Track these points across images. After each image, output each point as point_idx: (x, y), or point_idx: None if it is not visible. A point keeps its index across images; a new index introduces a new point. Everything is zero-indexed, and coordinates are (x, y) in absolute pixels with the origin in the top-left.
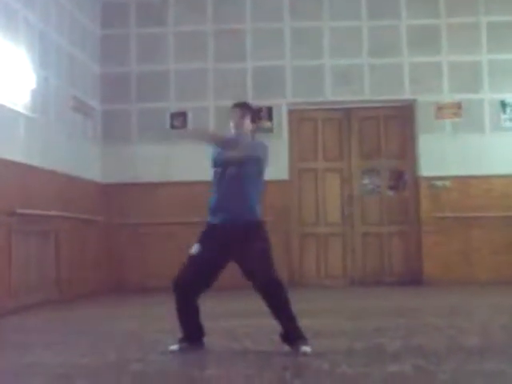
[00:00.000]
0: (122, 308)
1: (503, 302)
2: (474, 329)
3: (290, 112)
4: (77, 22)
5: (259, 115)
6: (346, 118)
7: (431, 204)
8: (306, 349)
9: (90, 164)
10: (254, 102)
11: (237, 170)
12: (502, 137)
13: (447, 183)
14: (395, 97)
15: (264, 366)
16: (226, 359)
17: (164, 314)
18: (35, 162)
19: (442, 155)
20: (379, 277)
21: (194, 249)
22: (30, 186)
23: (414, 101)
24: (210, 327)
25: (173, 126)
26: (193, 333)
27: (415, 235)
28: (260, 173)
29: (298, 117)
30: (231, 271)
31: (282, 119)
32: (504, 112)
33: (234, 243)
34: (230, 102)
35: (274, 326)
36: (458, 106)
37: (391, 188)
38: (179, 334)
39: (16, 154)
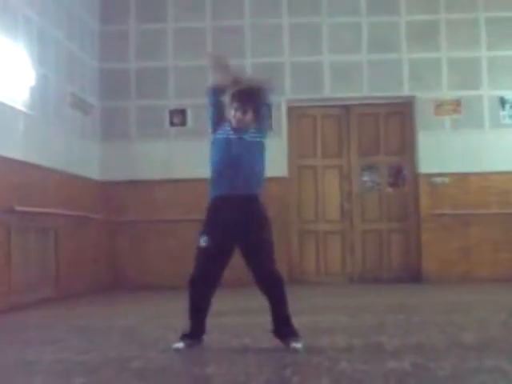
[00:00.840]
0: (122, 305)
1: (502, 299)
2: (472, 326)
3: (289, 109)
4: (75, 18)
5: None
6: (345, 114)
7: (430, 201)
8: (296, 345)
9: (88, 161)
10: None
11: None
12: (501, 133)
13: (446, 180)
14: (394, 93)
15: (264, 364)
16: (226, 356)
17: (163, 312)
18: (34, 159)
19: (441, 152)
20: (378, 274)
21: (203, 241)
22: (28, 183)
23: (413, 97)
24: (210, 324)
25: (172, 123)
26: (198, 330)
27: (414, 232)
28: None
29: (297, 113)
30: (231, 268)
31: (280, 116)
32: (503, 108)
33: (238, 229)
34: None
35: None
36: (458, 102)
37: (390, 185)
38: (179, 332)
39: (14, 151)
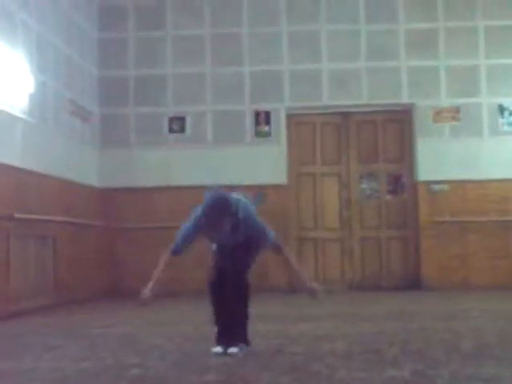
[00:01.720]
0: (120, 312)
1: (500, 306)
2: (471, 333)
3: (288, 116)
4: (75, 25)
5: None
6: (343, 122)
7: (429, 208)
8: (233, 350)
9: (87, 168)
10: (252, 107)
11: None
12: (499, 141)
13: (445, 187)
14: (393, 101)
15: (262, 370)
16: (224, 363)
17: (162, 319)
18: (33, 166)
19: (440, 159)
20: (377, 281)
21: (214, 245)
22: (27, 190)
23: (412, 105)
24: (208, 332)
25: (171, 130)
26: (227, 332)
27: (413, 239)
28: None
29: (296, 121)
30: None
31: (279, 123)
32: (502, 116)
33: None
34: (227, 106)
35: (271, 330)
36: (456, 110)
37: (389, 192)
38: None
39: (14, 158)
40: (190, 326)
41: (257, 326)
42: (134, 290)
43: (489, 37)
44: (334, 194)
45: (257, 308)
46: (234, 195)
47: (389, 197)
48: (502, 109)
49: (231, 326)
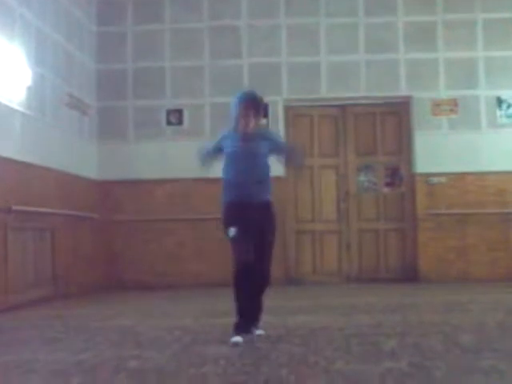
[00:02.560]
0: (119, 305)
1: (498, 298)
2: (469, 326)
3: (286, 109)
4: (73, 18)
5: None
6: (341, 114)
7: (427, 201)
8: (260, 332)
9: (85, 161)
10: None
11: (253, 151)
12: (497, 133)
13: (443, 180)
14: (391, 93)
15: (261, 363)
16: (222, 356)
17: (160, 311)
18: (31, 159)
19: (438, 152)
20: (375, 273)
21: (231, 232)
22: (25, 183)
23: (410, 97)
24: (207, 324)
25: (169, 123)
26: (249, 322)
27: (411, 232)
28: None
29: (294, 113)
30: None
31: (277, 116)
32: (500, 108)
33: (256, 220)
34: (225, 99)
35: (269, 322)
36: (454, 102)
37: (387, 185)
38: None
39: (12, 151)
40: (188, 319)
41: None
42: (133, 282)
43: (487, 29)
44: (332, 186)
45: None
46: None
47: (387, 189)
48: (500, 101)
49: (257, 312)
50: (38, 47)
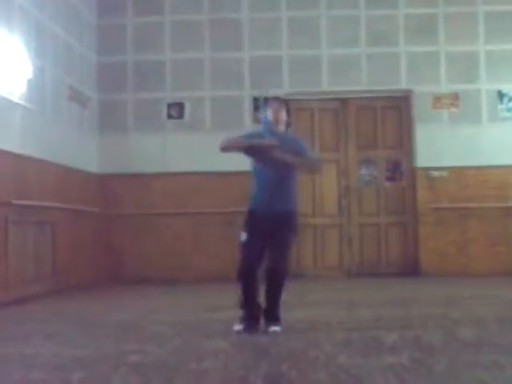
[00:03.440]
0: (119, 299)
1: (499, 293)
2: (469, 320)
3: (287, 102)
4: (73, 10)
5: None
6: (342, 108)
7: (428, 195)
8: (275, 328)
9: (86, 154)
10: (251, 92)
11: (279, 165)
12: (498, 127)
13: (444, 174)
14: (392, 87)
15: (261, 358)
16: (223, 351)
17: (161, 305)
18: (31, 152)
19: (438, 146)
20: (376, 268)
21: (243, 237)
22: (25, 176)
23: (411, 91)
24: (207, 319)
25: (169, 116)
26: (253, 316)
27: (412, 226)
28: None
29: (295, 107)
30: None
31: None
32: (501, 102)
33: (270, 229)
34: (226, 92)
35: None
36: (455, 96)
37: (388, 179)
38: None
39: (12, 144)
40: (189, 313)
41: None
42: (133, 276)
43: (489, 23)
44: (333, 180)
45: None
46: None
47: (387, 183)
48: (501, 95)
49: (270, 308)
50: (38, 40)
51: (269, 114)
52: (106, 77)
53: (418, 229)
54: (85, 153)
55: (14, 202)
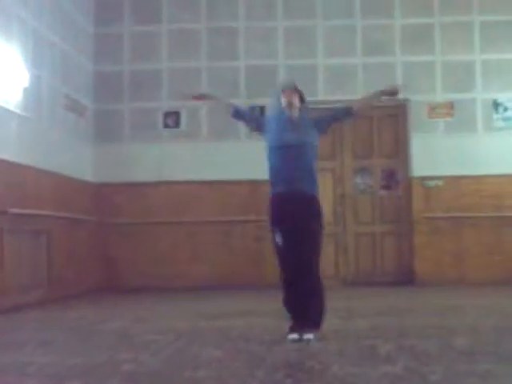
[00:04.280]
0: (114, 308)
1: (494, 302)
2: (464, 329)
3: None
4: (70, 19)
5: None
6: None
7: (423, 204)
8: (309, 336)
9: (82, 163)
10: (247, 101)
11: (301, 141)
12: (494, 137)
13: (440, 183)
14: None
15: (256, 366)
16: (217, 360)
17: (156, 314)
18: (27, 160)
19: (434, 155)
20: (371, 277)
21: (278, 238)
22: (21, 185)
23: (407, 100)
24: (202, 327)
25: (166, 125)
26: (300, 320)
27: (407, 235)
28: (317, 144)
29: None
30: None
31: None
32: (496, 112)
33: (296, 216)
34: None
35: (266, 326)
36: (451, 105)
37: (384, 187)
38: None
39: (8, 152)
40: (183, 322)
41: (250, 322)
42: (128, 285)
43: (484, 32)
44: (329, 189)
45: (252, 304)
46: None
47: (383, 192)
48: (496, 104)
49: (310, 313)
50: (35, 48)
51: (282, 100)
52: (103, 86)
53: (414, 238)
54: (81, 162)
55: (10, 210)
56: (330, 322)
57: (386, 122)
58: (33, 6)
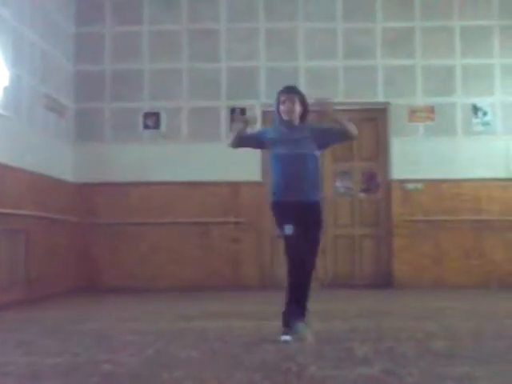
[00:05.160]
0: (93, 308)
1: (472, 305)
2: (442, 332)
3: (264, 113)
4: (51, 19)
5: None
6: (319, 120)
7: (403, 207)
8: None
9: (62, 163)
10: (228, 103)
11: (302, 152)
12: (473, 141)
13: (419, 186)
14: (369, 99)
15: (234, 368)
16: (195, 361)
17: (135, 315)
18: (7, 160)
19: (414, 158)
20: (350, 279)
21: (288, 230)
22: (0, 184)
23: (387, 103)
24: (181, 328)
25: (146, 126)
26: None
27: (386, 238)
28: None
29: (272, 118)
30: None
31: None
32: (476, 116)
33: (299, 218)
34: (203, 103)
35: (244, 327)
36: (431, 109)
37: (363, 190)
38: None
39: None
40: (162, 322)
41: (230, 323)
42: (108, 285)
43: (465, 37)
44: None
45: (230, 305)
46: None
47: (362, 195)
48: (476, 109)
49: (303, 301)
50: (15, 48)
51: (280, 107)
52: (83, 86)
53: (393, 241)
54: (61, 161)
55: None
56: (308, 324)
57: (366, 125)
58: (13, 5)
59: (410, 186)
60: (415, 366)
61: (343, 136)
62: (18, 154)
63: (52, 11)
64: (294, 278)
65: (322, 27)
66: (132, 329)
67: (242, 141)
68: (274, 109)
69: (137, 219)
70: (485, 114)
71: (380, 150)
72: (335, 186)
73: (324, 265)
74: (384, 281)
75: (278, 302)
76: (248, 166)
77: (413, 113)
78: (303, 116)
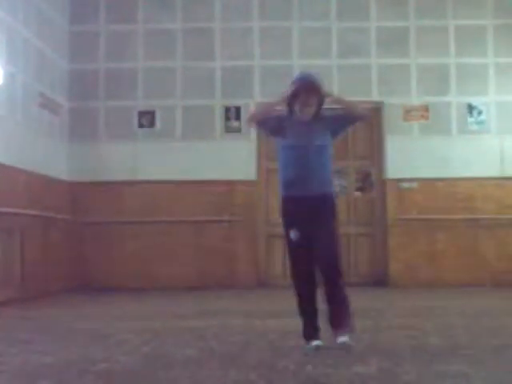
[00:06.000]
0: (87, 307)
1: (467, 304)
2: (439, 331)
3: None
4: (45, 17)
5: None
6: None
7: (397, 206)
8: (342, 339)
9: (56, 162)
10: (223, 101)
11: (313, 143)
12: (468, 140)
13: (414, 185)
14: (363, 98)
15: (229, 367)
16: (191, 359)
17: (128, 313)
18: (0, 158)
19: (409, 157)
20: (345, 278)
21: (293, 235)
22: None
23: (382, 103)
24: (177, 327)
25: (140, 125)
26: (312, 328)
27: (381, 236)
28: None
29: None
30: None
31: None
32: (471, 115)
33: (312, 215)
34: (198, 101)
35: (240, 326)
36: (426, 108)
37: (358, 189)
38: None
39: None
40: (157, 322)
41: (225, 322)
42: (101, 284)
43: (459, 36)
44: None
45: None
46: None
47: (357, 194)
48: (470, 108)
49: (338, 315)
50: (10, 46)
51: (296, 99)
52: (78, 84)
53: (388, 239)
54: (55, 160)
55: None
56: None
57: (360, 124)
58: (7, 2)
59: (405, 184)
60: (411, 364)
61: (352, 117)
62: (12, 152)
63: (46, 9)
64: (295, 287)
65: (317, 26)
66: (126, 327)
67: (265, 119)
68: (286, 93)
69: (132, 218)
70: (479, 113)
71: (375, 149)
72: None
73: None
74: (379, 279)
75: (271, 301)
76: (243, 164)
77: (407, 112)
78: (318, 109)
